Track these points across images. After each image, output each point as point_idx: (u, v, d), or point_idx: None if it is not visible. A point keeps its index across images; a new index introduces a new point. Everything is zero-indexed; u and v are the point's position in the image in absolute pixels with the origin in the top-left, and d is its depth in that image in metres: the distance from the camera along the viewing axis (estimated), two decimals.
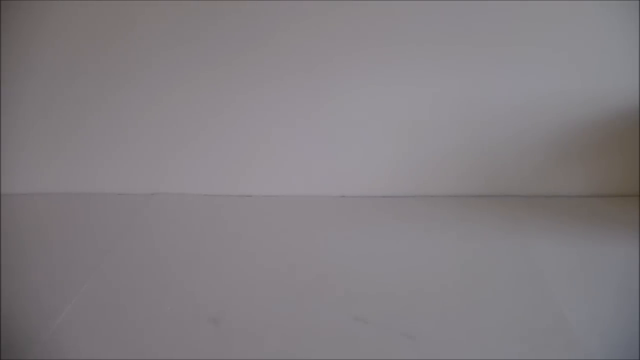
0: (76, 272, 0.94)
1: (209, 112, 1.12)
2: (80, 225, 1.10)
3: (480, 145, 1.11)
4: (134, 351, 0.77)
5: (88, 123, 1.14)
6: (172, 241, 1.03)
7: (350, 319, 0.82)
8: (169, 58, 1.08)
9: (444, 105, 1.08)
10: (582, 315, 0.81)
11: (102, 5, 1.04)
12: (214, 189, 1.18)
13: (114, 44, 1.07)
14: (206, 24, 1.05)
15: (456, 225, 1.06)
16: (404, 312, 0.83)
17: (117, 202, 1.17)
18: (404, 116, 1.10)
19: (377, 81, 1.07)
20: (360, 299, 0.86)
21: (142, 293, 0.89)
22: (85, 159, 1.17)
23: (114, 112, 1.13)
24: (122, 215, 1.12)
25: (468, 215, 1.09)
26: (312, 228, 1.07)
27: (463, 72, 1.06)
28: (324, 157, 1.15)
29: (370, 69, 1.07)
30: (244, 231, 1.07)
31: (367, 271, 0.93)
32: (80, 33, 1.07)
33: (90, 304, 0.87)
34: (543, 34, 1.02)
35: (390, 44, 1.05)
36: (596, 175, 1.13)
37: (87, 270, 0.94)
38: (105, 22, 1.05)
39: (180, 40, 1.06)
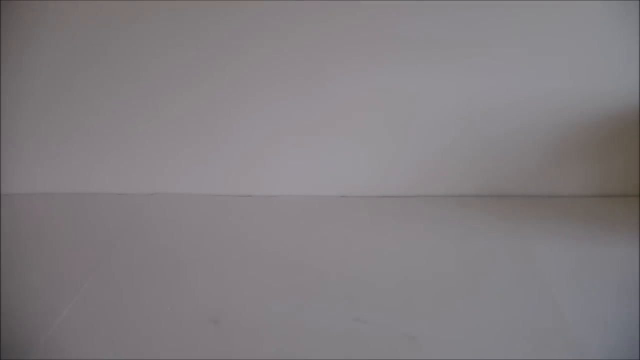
0: (76, 272, 0.94)
1: (208, 112, 1.12)
2: (80, 225, 1.10)
3: (480, 145, 1.11)
4: (134, 351, 0.77)
5: (88, 123, 1.14)
6: (172, 241, 1.03)
7: (350, 319, 0.82)
8: (169, 59, 1.08)
9: (444, 105, 1.08)
10: (582, 315, 0.81)
11: (102, 5, 1.03)
12: (213, 189, 1.18)
13: (114, 44, 1.07)
14: (206, 25, 1.05)
15: (456, 225, 1.06)
16: (404, 312, 0.83)
17: (117, 202, 1.17)
18: (404, 116, 1.10)
19: (376, 81, 1.07)
20: (360, 299, 0.86)
21: (142, 293, 0.89)
22: (85, 159, 1.17)
23: (113, 112, 1.13)
24: (122, 215, 1.12)
25: (468, 215, 1.09)
26: (312, 228, 1.07)
27: (463, 72, 1.05)
28: (324, 157, 1.15)
29: (370, 69, 1.06)
30: (244, 231, 1.07)
31: (367, 271, 0.93)
32: (80, 33, 1.06)
33: (90, 303, 0.87)
34: (543, 33, 1.02)
35: (389, 45, 1.04)
36: (596, 175, 1.13)
37: (87, 270, 0.94)
38: (105, 22, 1.05)
39: (180, 41, 1.06)
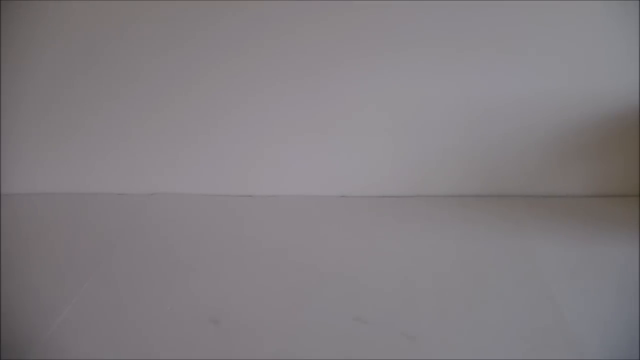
0: (76, 272, 0.94)
1: (208, 112, 1.12)
2: (80, 225, 1.10)
3: (480, 145, 1.11)
4: (134, 351, 0.77)
5: (88, 123, 1.14)
6: (172, 241, 1.03)
7: (350, 319, 0.82)
8: (168, 58, 1.08)
9: (444, 106, 1.08)
10: (582, 315, 0.81)
11: (102, 6, 1.04)
12: (214, 189, 1.18)
13: (114, 44, 1.07)
14: (206, 25, 1.05)
15: (456, 225, 1.06)
16: (404, 312, 0.83)
17: (117, 202, 1.17)
18: (404, 116, 1.10)
19: (376, 82, 1.07)
20: (360, 299, 0.86)
21: (142, 293, 0.89)
22: (85, 159, 1.17)
23: (113, 112, 1.13)
24: (122, 215, 1.12)
25: (468, 215, 1.09)
26: (312, 228, 1.07)
27: (463, 72, 1.05)
28: (324, 157, 1.15)
29: (370, 70, 1.06)
30: (244, 231, 1.07)
31: (367, 271, 0.93)
32: (79, 33, 1.07)
33: (90, 304, 0.87)
34: (543, 33, 1.02)
35: (389, 45, 1.04)
36: (596, 175, 1.13)
37: (87, 270, 0.94)
38: (105, 22, 1.05)
39: (180, 41, 1.06)
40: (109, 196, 1.18)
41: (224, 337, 0.80)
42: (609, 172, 1.12)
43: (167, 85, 1.10)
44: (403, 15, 1.02)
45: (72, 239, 1.05)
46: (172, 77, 1.10)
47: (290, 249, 1.00)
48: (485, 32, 1.03)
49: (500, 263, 0.94)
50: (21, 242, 1.04)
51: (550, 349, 0.76)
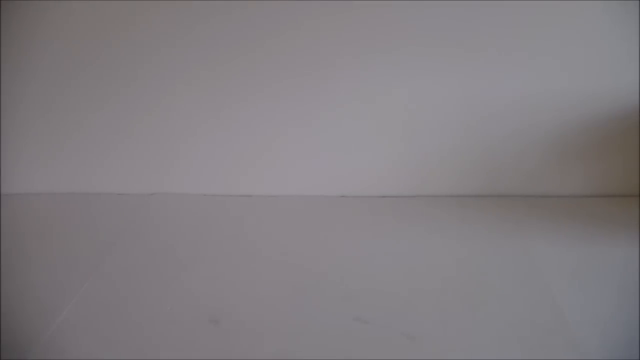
0: (76, 272, 0.94)
1: (208, 112, 1.12)
2: (80, 225, 1.10)
3: (480, 145, 1.11)
4: (134, 351, 0.77)
5: (88, 123, 1.14)
6: (172, 241, 1.03)
7: (350, 319, 0.82)
8: (168, 58, 1.08)
9: (444, 106, 1.08)
10: (582, 315, 0.81)
11: (102, 5, 1.04)
12: (214, 189, 1.18)
13: (114, 44, 1.07)
14: (206, 25, 1.05)
15: (456, 225, 1.06)
16: (404, 312, 0.83)
17: (117, 202, 1.17)
18: (404, 116, 1.10)
19: (377, 81, 1.07)
20: (360, 299, 0.86)
21: (142, 293, 0.89)
22: (85, 159, 1.17)
23: (113, 112, 1.13)
24: (122, 215, 1.12)
25: (468, 215, 1.09)
26: (312, 228, 1.07)
27: (463, 72, 1.06)
28: (324, 157, 1.15)
29: (370, 70, 1.06)
30: (244, 231, 1.07)
31: (367, 271, 0.93)
32: (80, 33, 1.06)
33: (90, 304, 0.87)
34: (543, 33, 1.02)
35: (389, 45, 1.05)
36: (596, 175, 1.13)
37: (87, 270, 0.94)
38: (105, 22, 1.05)
39: (180, 41, 1.06)
40: (109, 196, 1.18)
41: (224, 337, 0.80)
42: (609, 172, 1.12)
43: (167, 85, 1.10)
44: (403, 16, 1.02)
45: (72, 239, 1.05)
46: (172, 77, 1.10)
47: (290, 249, 1.00)
48: (485, 33, 1.03)
49: (500, 263, 0.94)
50: (21, 242, 1.04)
51: (550, 349, 0.76)
